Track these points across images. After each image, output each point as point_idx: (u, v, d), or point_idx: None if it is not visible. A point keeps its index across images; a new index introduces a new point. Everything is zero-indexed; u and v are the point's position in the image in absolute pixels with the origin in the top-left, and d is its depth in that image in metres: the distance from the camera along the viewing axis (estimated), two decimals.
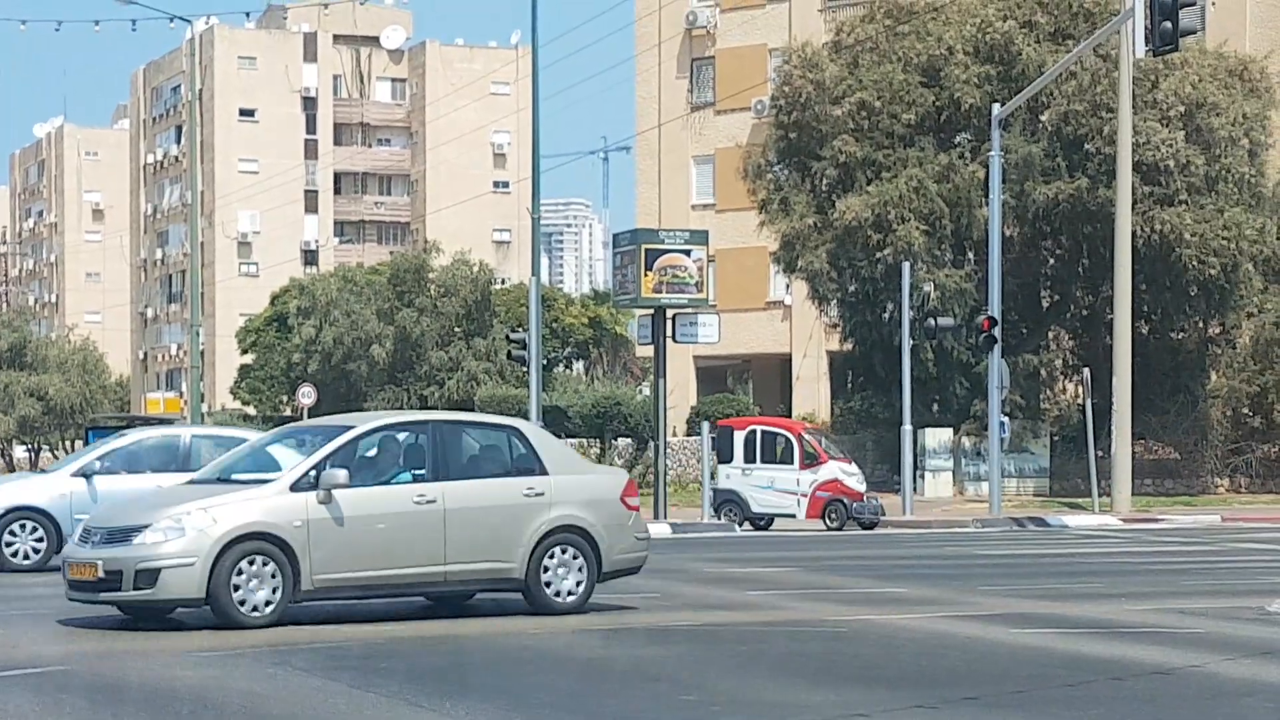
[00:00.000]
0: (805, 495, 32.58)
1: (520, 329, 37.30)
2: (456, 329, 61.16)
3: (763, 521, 33.36)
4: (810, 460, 32.66)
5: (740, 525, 33.16)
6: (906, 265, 38.02)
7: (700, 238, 36.28)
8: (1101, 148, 41.03)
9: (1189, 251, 40.56)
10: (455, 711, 10.39)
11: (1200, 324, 44.36)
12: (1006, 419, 37.14)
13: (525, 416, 38.59)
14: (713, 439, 34.15)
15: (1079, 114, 41.92)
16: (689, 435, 49.59)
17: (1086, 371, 38.55)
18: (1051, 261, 45.10)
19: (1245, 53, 45.57)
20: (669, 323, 35.17)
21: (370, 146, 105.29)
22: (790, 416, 55.11)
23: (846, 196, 42.65)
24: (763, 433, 33.67)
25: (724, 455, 33.96)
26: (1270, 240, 42.09)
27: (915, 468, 38.77)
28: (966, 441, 42.89)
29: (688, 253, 35.16)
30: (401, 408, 60.10)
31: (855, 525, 32.59)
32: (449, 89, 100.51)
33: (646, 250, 34.88)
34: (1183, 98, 41.71)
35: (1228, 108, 41.96)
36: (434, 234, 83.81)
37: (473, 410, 53.62)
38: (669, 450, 40.80)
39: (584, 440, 51.03)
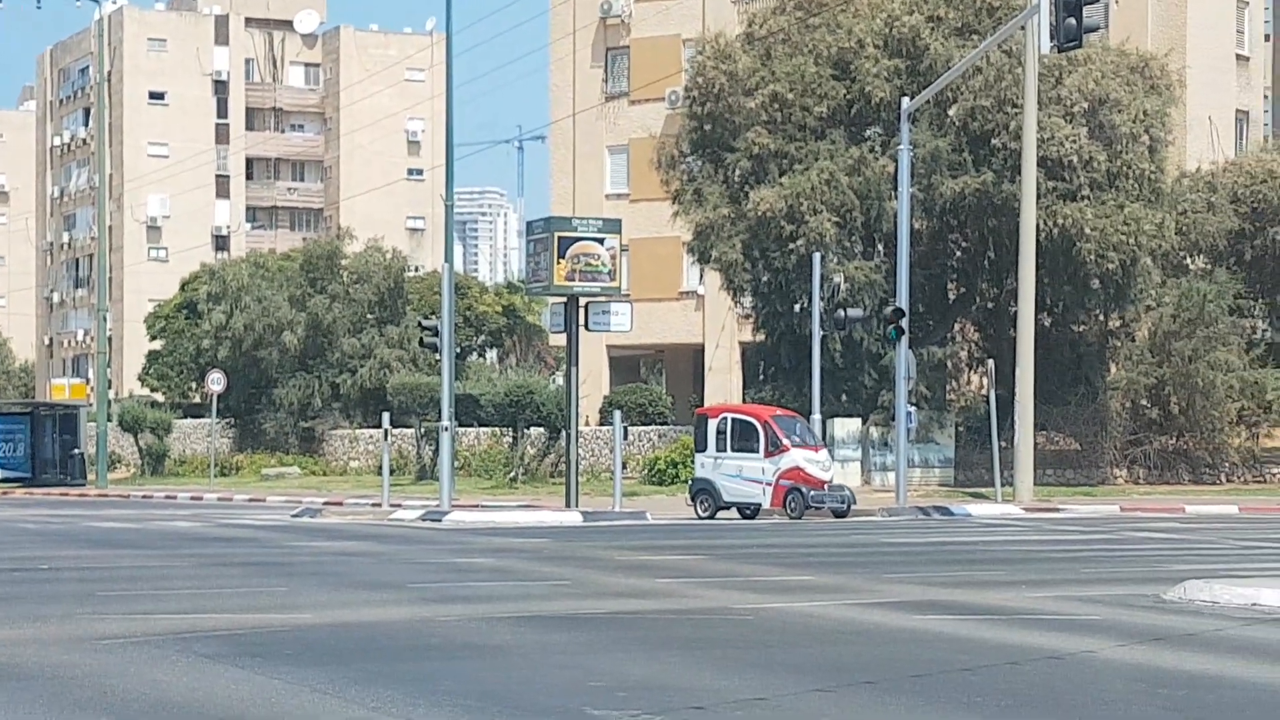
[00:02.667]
0: (770, 484, 32.56)
1: (433, 316, 37.32)
2: (369, 316, 61.01)
3: (748, 511, 33.35)
4: (774, 448, 32.54)
5: (713, 514, 33.21)
6: (818, 256, 38.43)
7: (613, 226, 36.49)
8: (1007, 143, 41.56)
9: (1090, 246, 41.16)
10: (360, 697, 10.51)
11: (1100, 317, 45.04)
12: (913, 410, 37.65)
13: (437, 404, 38.72)
14: (692, 428, 34.83)
15: (985, 109, 42.45)
16: (602, 425, 49.80)
17: (991, 363, 39.07)
18: (958, 254, 45.64)
19: (1146, 50, 46.25)
20: (582, 311, 35.36)
21: (283, 132, 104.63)
22: (702, 406, 55.55)
23: (759, 188, 42.98)
24: (733, 420, 33.67)
25: (700, 444, 34.15)
26: (1168, 235, 42.76)
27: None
28: (874, 432, 43.35)
29: (601, 241, 35.38)
30: (313, 395, 59.92)
31: (830, 514, 32.44)
32: (363, 75, 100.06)
33: (560, 238, 35.05)
34: (1086, 94, 42.33)
35: (1129, 104, 42.60)
36: (347, 221, 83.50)
37: (385, 398, 53.60)
38: (581, 439, 41.01)
39: (497, 429, 51.13)
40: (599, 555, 23.16)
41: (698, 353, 57.95)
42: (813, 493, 32.30)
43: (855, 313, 39.48)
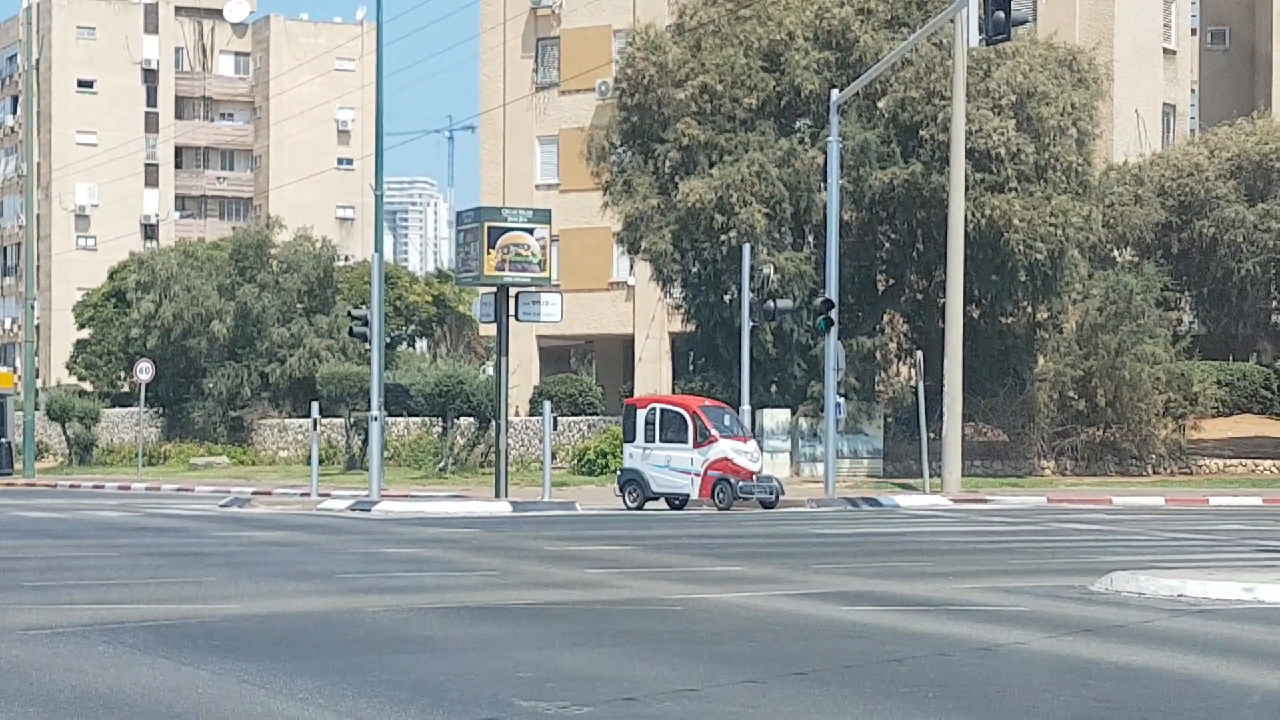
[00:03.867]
0: (698, 474, 32.59)
1: (363, 306, 37.17)
2: (298, 305, 60.68)
3: (677, 501, 33.39)
4: (703, 438, 32.55)
5: (641, 505, 33.18)
6: (748, 247, 38.50)
7: (543, 217, 36.47)
8: (936, 134, 41.75)
9: (1017, 237, 41.41)
10: (288, 689, 10.46)
11: (1028, 309, 45.32)
12: (842, 400, 37.78)
13: (366, 394, 38.55)
14: (621, 418, 34.84)
15: (914, 101, 42.63)
16: (531, 415, 49.74)
17: (919, 354, 39.25)
18: (887, 246, 45.83)
19: (1074, 44, 46.57)
20: (512, 301, 35.33)
21: (213, 121, 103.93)
22: (633, 395, 55.57)
23: (689, 179, 43.01)
24: (662, 410, 33.66)
25: (628, 434, 34.12)
26: (1096, 228, 43.06)
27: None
28: (804, 423, 43.48)
29: (531, 231, 35.37)
30: (242, 384, 59.57)
31: (758, 505, 32.51)
32: (293, 64, 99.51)
33: (490, 228, 35.00)
34: (1014, 87, 42.58)
35: (1057, 97, 42.87)
36: (277, 210, 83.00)
37: (315, 388, 53.35)
38: (511, 429, 40.96)
39: (426, 419, 50.98)
40: (528, 545, 23.14)
41: (628, 343, 57.98)
42: (741, 483, 32.32)
43: (785, 304, 39.59)
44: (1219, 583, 16.54)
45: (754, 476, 32.61)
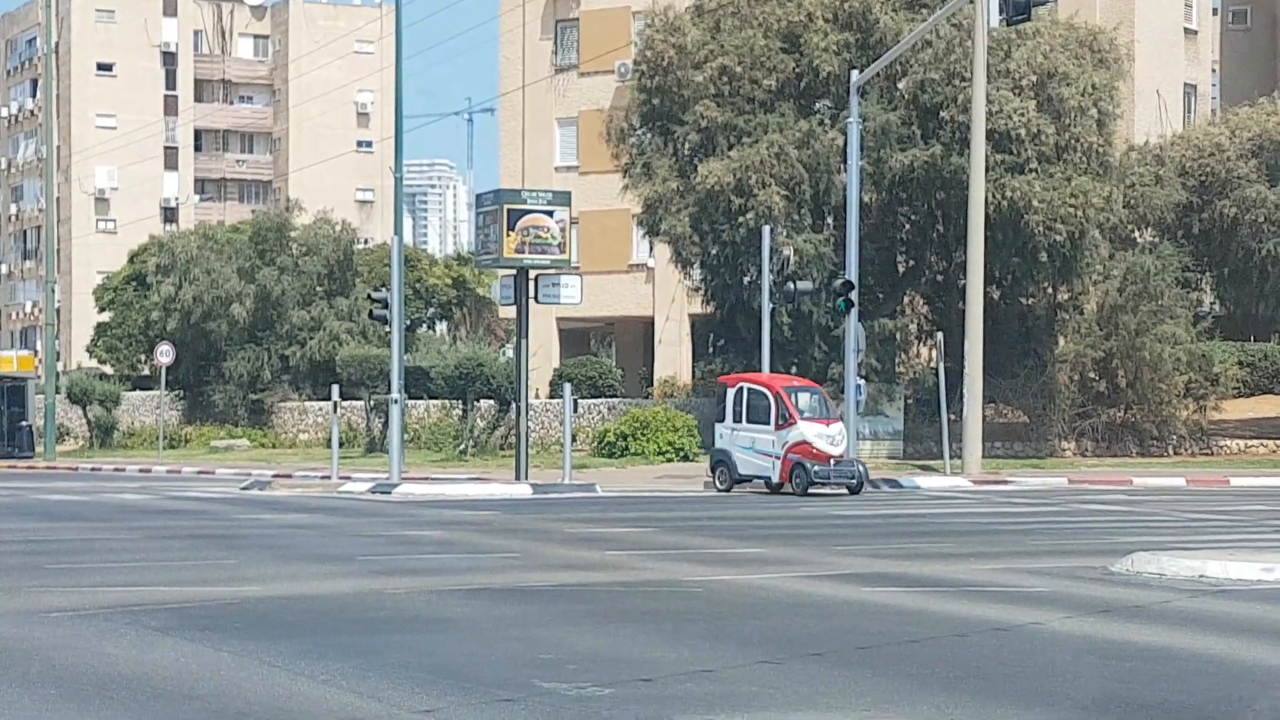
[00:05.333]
0: (779, 457, 31.63)
1: (382, 289, 37.19)
2: (318, 288, 60.71)
3: (764, 484, 32.33)
4: (783, 420, 31.56)
5: (730, 487, 32.38)
6: (767, 229, 38.45)
7: (563, 199, 36.46)
8: (956, 116, 41.67)
9: (1038, 218, 41.33)
10: (310, 670, 10.51)
11: (1049, 290, 45.23)
12: (863, 382, 37.75)
13: (386, 377, 38.60)
14: (716, 399, 34.04)
15: (935, 82, 42.53)
16: (551, 397, 49.78)
17: (940, 336, 39.20)
18: (907, 227, 45.76)
19: (1095, 24, 46.43)
20: (531, 284, 35.34)
21: (232, 104, 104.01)
22: (653, 380, 55.61)
23: (708, 161, 42.97)
24: (749, 390, 32.71)
25: (719, 414, 33.44)
26: (1116, 208, 42.95)
27: None
28: None
29: (550, 214, 35.35)
30: (262, 367, 59.69)
31: (844, 490, 31.36)
32: (313, 46, 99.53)
33: (509, 211, 35.00)
34: (1034, 67, 42.46)
35: (1078, 78, 42.74)
36: (296, 193, 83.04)
37: (334, 370, 53.45)
38: (531, 412, 41.00)
39: (446, 401, 51.05)
40: (548, 528, 23.19)
41: (648, 325, 57.98)
42: (816, 468, 31.10)
43: (805, 285, 39.55)
44: (1239, 563, 16.54)
45: (831, 460, 31.25)
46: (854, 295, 36.54)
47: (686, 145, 44.11)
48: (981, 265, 37.81)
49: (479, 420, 49.34)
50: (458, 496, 32.03)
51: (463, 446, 47.93)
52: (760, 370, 37.66)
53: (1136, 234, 46.97)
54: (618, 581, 16.02)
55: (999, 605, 14.17)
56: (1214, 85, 58.02)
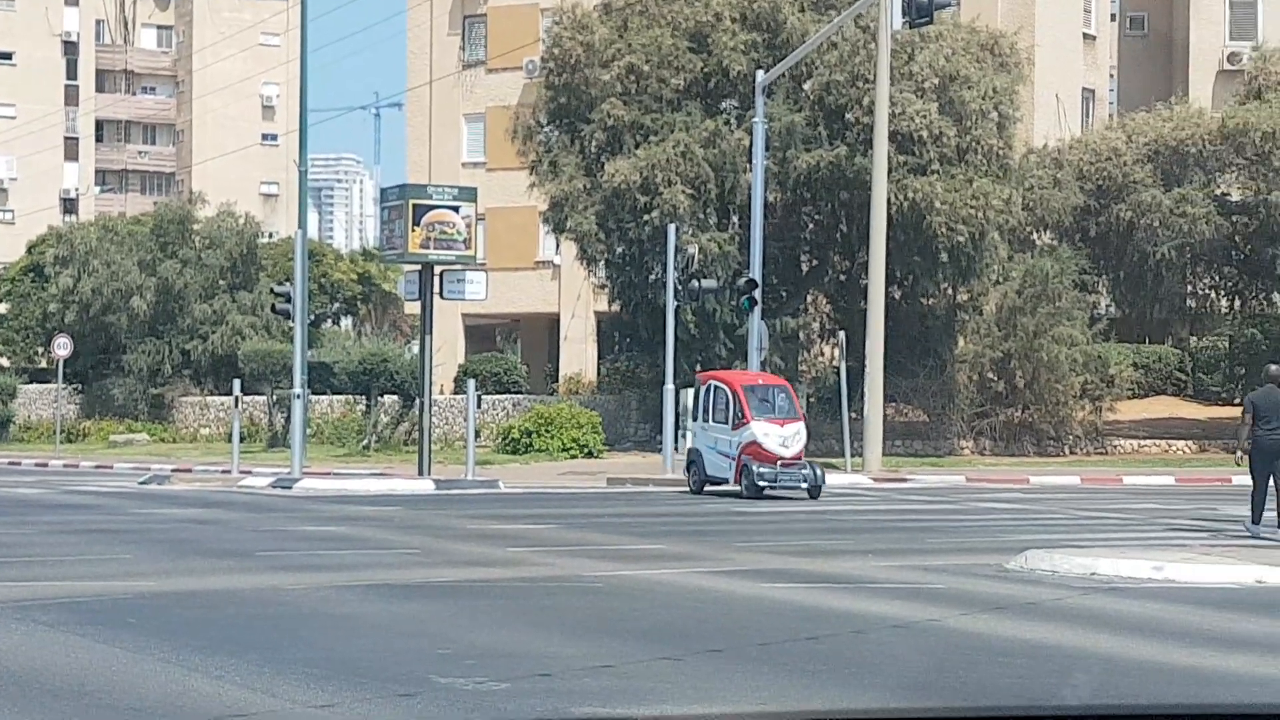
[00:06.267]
0: (734, 458, 29.92)
1: (286, 283, 36.97)
2: (221, 282, 60.21)
3: (727, 486, 30.26)
4: (739, 419, 29.74)
5: (700, 488, 30.68)
6: (672, 228, 38.56)
7: (469, 195, 36.39)
8: (860, 117, 41.95)
9: (939, 219, 41.69)
10: (205, 666, 10.46)
11: (949, 291, 45.64)
12: None
13: (289, 372, 38.40)
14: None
15: (840, 84, 42.81)
16: (456, 393, 49.66)
17: (842, 335, 39.43)
18: (811, 227, 46.03)
19: (996, 28, 46.87)
20: (437, 279, 35.25)
21: (135, 94, 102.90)
22: (558, 377, 55.60)
23: (615, 159, 43.03)
24: (714, 388, 31.00)
25: (694, 411, 32.02)
26: (1016, 211, 43.38)
27: (677, 427, 39.32)
28: None
29: (456, 209, 35.26)
30: (163, 361, 59.14)
31: (804, 494, 28.99)
32: (217, 37, 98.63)
33: (415, 206, 34.88)
34: (937, 70, 42.84)
35: (979, 81, 43.17)
36: (200, 185, 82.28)
37: (237, 365, 53.06)
38: (436, 408, 40.90)
39: (350, 397, 50.83)
40: (450, 524, 23.16)
41: (553, 322, 57.97)
42: (762, 469, 29.05)
43: (709, 283, 39.71)
44: (1130, 561, 16.81)
45: (779, 463, 29.18)
46: (758, 294, 36.73)
47: (593, 143, 44.15)
48: (883, 265, 38.09)
49: (383, 416, 49.17)
50: (360, 492, 31.91)
51: (366, 442, 47.73)
52: (665, 368, 37.77)
53: (1035, 236, 47.47)
54: (518, 577, 16.04)
55: (897, 602, 14.31)
56: (1111, 90, 58.73)
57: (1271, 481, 22.23)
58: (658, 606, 14.03)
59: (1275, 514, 22.07)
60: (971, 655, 11.46)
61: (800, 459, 29.68)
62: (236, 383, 40.12)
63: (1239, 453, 22.58)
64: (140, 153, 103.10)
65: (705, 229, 42.73)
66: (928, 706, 9.45)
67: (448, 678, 10.04)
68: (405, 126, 61.88)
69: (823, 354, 47.25)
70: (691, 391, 33.22)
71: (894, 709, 9.19)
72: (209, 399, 58.07)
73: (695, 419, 31.63)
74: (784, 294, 44.59)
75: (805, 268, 46.73)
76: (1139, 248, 47.18)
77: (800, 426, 30.20)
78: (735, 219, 43.80)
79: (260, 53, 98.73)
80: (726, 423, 30.06)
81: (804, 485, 29.19)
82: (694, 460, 31.13)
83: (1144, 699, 9.87)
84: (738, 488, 29.69)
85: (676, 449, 38.43)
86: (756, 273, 36.98)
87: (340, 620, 12.81)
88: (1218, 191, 48.07)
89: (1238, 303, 50.71)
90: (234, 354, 55.53)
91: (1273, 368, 25.96)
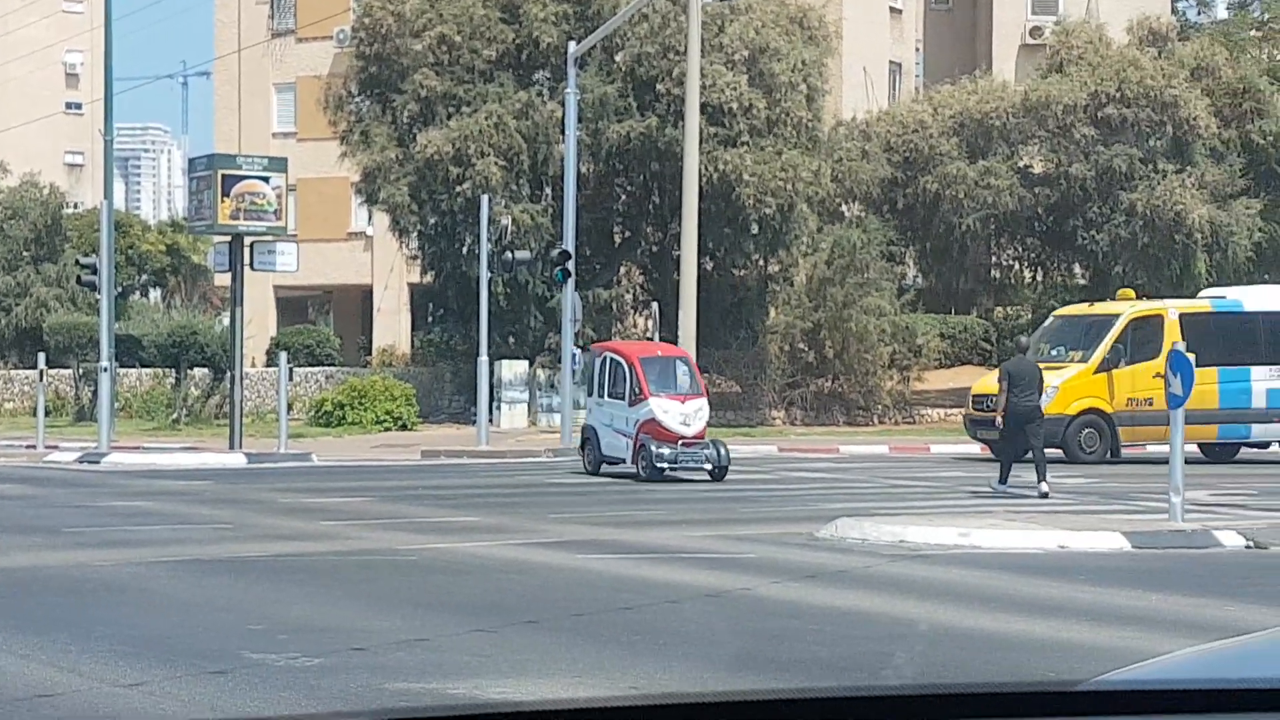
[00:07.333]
0: (631, 437, 27.22)
1: (92, 255, 36.29)
2: (25, 253, 58.85)
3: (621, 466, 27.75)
4: (636, 394, 27.19)
5: (597, 469, 28.07)
6: (485, 199, 38.48)
7: (279, 165, 36.00)
8: (671, 89, 42.17)
9: (749, 191, 42.06)
10: (9, 644, 10.28)
11: (760, 262, 46.08)
12: (579, 351, 38.04)
13: (96, 344, 37.71)
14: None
15: (651, 56, 42.98)
16: (268, 366, 49.08)
17: (655, 306, 39.66)
18: (624, 198, 46.20)
19: (805, 1, 47.35)
20: (246, 250, 34.84)
21: None
22: (371, 349, 55.19)
23: (427, 130, 42.80)
24: (610, 360, 28.41)
25: (588, 385, 29.85)
26: (825, 182, 43.87)
27: (492, 399, 39.33)
28: (541, 374, 43.68)
29: (266, 180, 34.89)
30: None
31: (706, 476, 26.71)
32: (18, 4, 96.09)
33: (224, 176, 34.44)
34: (747, 43, 43.19)
35: (788, 54, 43.59)
36: (1, 155, 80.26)
37: (42, 337, 51.91)
38: (247, 380, 40.44)
39: (160, 370, 50.02)
40: (262, 498, 22.95)
41: (367, 294, 57.53)
42: (662, 449, 26.62)
43: (523, 255, 39.70)
44: (937, 528, 17.19)
45: (680, 442, 26.71)
46: (571, 265, 36.80)
47: (406, 114, 43.87)
48: (695, 237, 38.34)
49: (193, 389, 48.47)
50: (170, 466, 31.44)
51: (176, 416, 47.03)
52: (479, 340, 37.65)
53: (844, 208, 48.07)
54: (332, 551, 15.97)
55: (710, 571, 14.49)
56: (918, 64, 59.65)
57: (1031, 447, 23.38)
58: (473, 579, 14.06)
59: (1037, 476, 23.03)
60: (785, 623, 11.65)
61: (703, 437, 27.28)
62: (41, 356, 39.35)
63: (998, 419, 23.66)
64: None
65: (518, 200, 42.69)
66: (775, 690, 9.60)
67: (260, 653, 9.98)
68: (214, 96, 60.91)
69: (636, 325, 47.47)
70: (585, 364, 31.59)
71: (749, 692, 9.33)
72: (13, 373, 56.72)
73: (590, 394, 29.30)
74: (597, 266, 44.72)
75: (618, 239, 46.90)
76: (945, 219, 48.00)
77: (703, 403, 27.82)
78: (548, 191, 43.80)
79: (63, 20, 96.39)
80: (623, 398, 27.51)
81: (707, 466, 26.81)
82: (588, 438, 28.53)
83: (952, 667, 10.11)
84: (634, 468, 27.23)
85: (491, 420, 38.45)
86: (570, 244, 37.05)
87: (150, 597, 12.66)
88: (1021, 164, 49.02)
89: (1040, 273, 51.84)
90: (39, 327, 54.39)
91: (1023, 339, 27.36)
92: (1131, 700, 2.86)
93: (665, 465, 26.62)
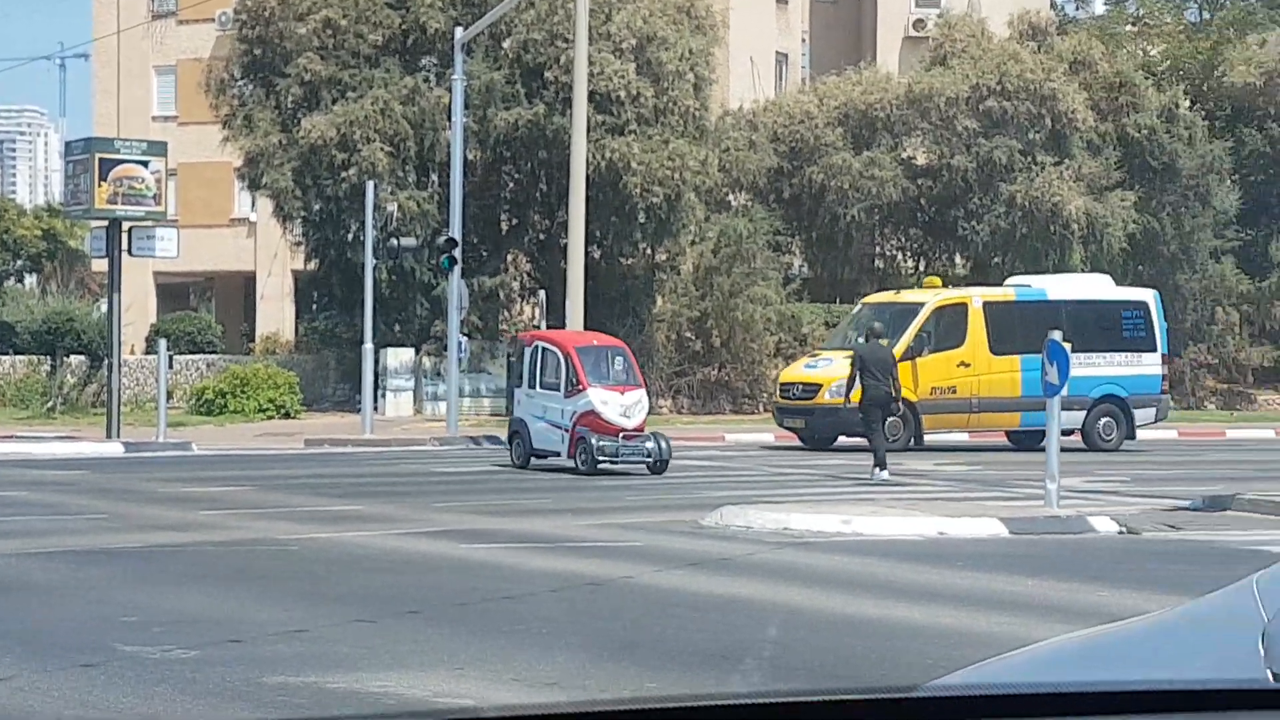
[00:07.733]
0: (567, 430, 26.39)
1: None
2: None
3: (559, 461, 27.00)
4: (573, 386, 26.36)
5: (526, 463, 27.23)
6: (371, 185, 38.19)
7: (158, 149, 35.54)
8: (559, 76, 42.05)
9: (636, 180, 42.05)
10: None
11: (648, 251, 46.09)
12: (465, 340, 37.90)
13: None
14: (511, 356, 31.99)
15: (538, 43, 42.83)
16: (148, 353, 48.44)
17: (543, 294, 39.59)
18: (511, 186, 46.04)
19: None
20: (125, 236, 34.37)
21: None
22: (254, 336, 54.64)
23: (311, 115, 42.38)
24: (543, 350, 27.53)
25: (518, 376, 29.13)
26: (712, 171, 43.93)
27: (376, 387, 39.06)
28: (427, 362, 43.44)
29: (145, 164, 34.45)
30: None
31: (644, 469, 25.90)
32: None
33: (101, 160, 33.96)
34: (634, 31, 43.16)
35: (676, 43, 43.61)
36: None
37: None
38: (126, 368, 39.85)
39: (34, 357, 49.25)
40: (140, 487, 22.62)
41: (249, 280, 56.96)
42: (602, 443, 25.80)
43: (408, 242, 39.44)
44: (820, 515, 17.26)
45: (621, 435, 25.97)
46: (457, 253, 36.61)
47: (289, 98, 43.42)
48: (583, 225, 38.26)
49: (69, 377, 47.75)
50: (44, 455, 30.91)
51: (51, 404, 46.30)
52: (364, 327, 37.39)
53: (731, 197, 48.19)
54: (210, 541, 15.75)
55: (594, 560, 14.45)
56: (804, 55, 59.89)
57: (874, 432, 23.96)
58: (354, 569, 13.92)
59: (875, 462, 23.49)
60: (668, 611, 11.63)
61: (642, 430, 26.48)
62: None
63: (845, 402, 24.54)
64: None
65: (405, 187, 42.41)
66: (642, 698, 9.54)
67: (133, 645, 9.80)
68: (92, 78, 60.00)
69: (523, 313, 47.36)
70: (515, 354, 30.87)
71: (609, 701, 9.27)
72: None
73: (520, 385, 28.53)
74: (484, 253, 44.52)
75: (505, 227, 46.72)
76: (830, 209, 48.24)
77: (642, 394, 27.12)
78: (435, 177, 43.55)
79: None
80: (557, 389, 26.66)
81: (648, 459, 26.02)
82: (518, 431, 27.68)
83: (830, 654, 10.12)
84: (571, 462, 26.58)
85: (376, 409, 38.19)
86: (456, 231, 36.86)
87: (20, 588, 12.42)
88: (904, 155, 49.42)
89: (923, 264, 52.25)
90: None
91: (876, 325, 27.61)
92: (961, 707, 2.84)
93: (606, 459, 25.77)
